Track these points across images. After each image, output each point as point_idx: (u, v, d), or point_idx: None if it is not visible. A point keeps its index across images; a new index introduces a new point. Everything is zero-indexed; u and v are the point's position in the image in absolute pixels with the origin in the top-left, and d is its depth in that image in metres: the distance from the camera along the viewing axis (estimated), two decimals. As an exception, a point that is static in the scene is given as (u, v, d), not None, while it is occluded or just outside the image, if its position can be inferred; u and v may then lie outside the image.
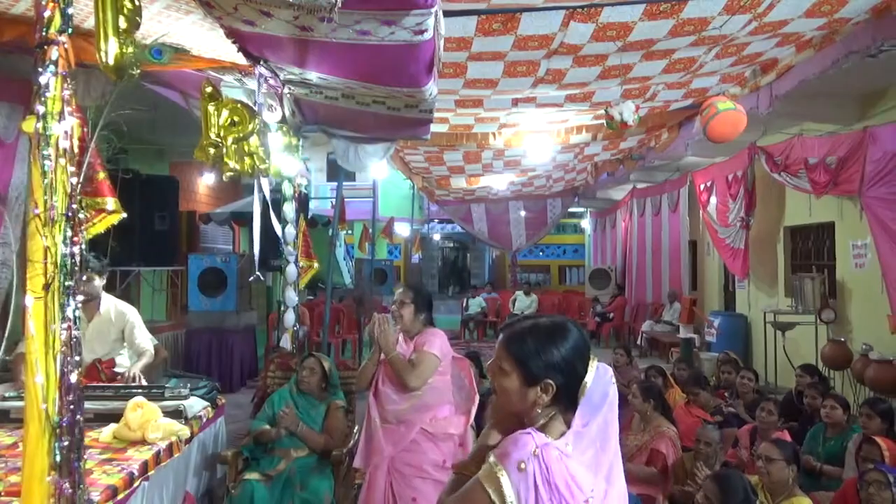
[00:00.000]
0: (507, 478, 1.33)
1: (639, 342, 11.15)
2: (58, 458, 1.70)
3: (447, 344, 3.25)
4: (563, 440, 1.39)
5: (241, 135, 3.43)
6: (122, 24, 1.78)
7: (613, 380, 1.46)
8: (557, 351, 1.44)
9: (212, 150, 3.31)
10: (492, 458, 1.38)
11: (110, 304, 4.21)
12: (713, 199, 8.99)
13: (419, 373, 3.10)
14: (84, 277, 3.83)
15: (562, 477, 1.34)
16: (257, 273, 4.70)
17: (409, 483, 3.07)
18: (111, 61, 1.78)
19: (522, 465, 1.33)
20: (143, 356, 4.19)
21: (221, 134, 3.36)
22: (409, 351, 3.19)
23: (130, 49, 1.80)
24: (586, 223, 18.98)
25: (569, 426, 1.41)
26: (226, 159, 3.42)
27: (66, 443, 1.70)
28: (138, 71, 1.85)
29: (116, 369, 4.16)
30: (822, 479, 4.06)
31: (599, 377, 1.44)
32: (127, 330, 4.19)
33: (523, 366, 1.45)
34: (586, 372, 1.44)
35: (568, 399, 1.43)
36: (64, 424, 1.71)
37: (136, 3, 1.82)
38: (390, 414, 3.14)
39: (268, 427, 3.88)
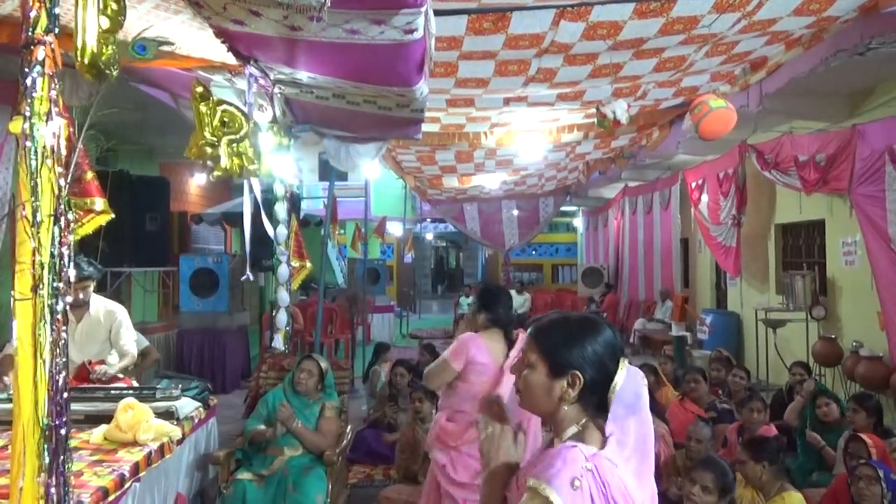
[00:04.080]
0: (560, 499, 1.18)
1: (631, 340, 11.18)
2: (46, 460, 1.69)
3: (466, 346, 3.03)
4: (608, 449, 1.26)
5: (235, 136, 3.39)
6: (105, 24, 1.77)
7: (645, 382, 1.38)
8: (587, 342, 1.36)
9: (208, 150, 3.29)
10: (533, 481, 1.22)
11: (100, 304, 4.19)
12: (704, 197, 9.02)
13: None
14: (81, 283, 3.83)
15: (619, 490, 1.22)
16: (248, 273, 4.69)
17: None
18: (86, 60, 1.76)
19: (577, 483, 1.19)
20: (124, 358, 4.17)
21: (216, 134, 3.33)
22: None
23: (110, 49, 1.78)
24: (578, 222, 18.99)
25: (602, 434, 1.31)
26: (221, 159, 3.39)
27: (53, 444, 1.69)
28: (116, 72, 1.83)
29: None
30: (812, 476, 4.10)
31: (631, 377, 1.35)
32: (114, 329, 4.17)
33: (550, 356, 1.38)
34: (616, 371, 1.35)
35: (596, 399, 1.35)
36: (53, 426, 1.70)
37: (122, 3, 1.80)
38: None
39: (263, 427, 3.87)
